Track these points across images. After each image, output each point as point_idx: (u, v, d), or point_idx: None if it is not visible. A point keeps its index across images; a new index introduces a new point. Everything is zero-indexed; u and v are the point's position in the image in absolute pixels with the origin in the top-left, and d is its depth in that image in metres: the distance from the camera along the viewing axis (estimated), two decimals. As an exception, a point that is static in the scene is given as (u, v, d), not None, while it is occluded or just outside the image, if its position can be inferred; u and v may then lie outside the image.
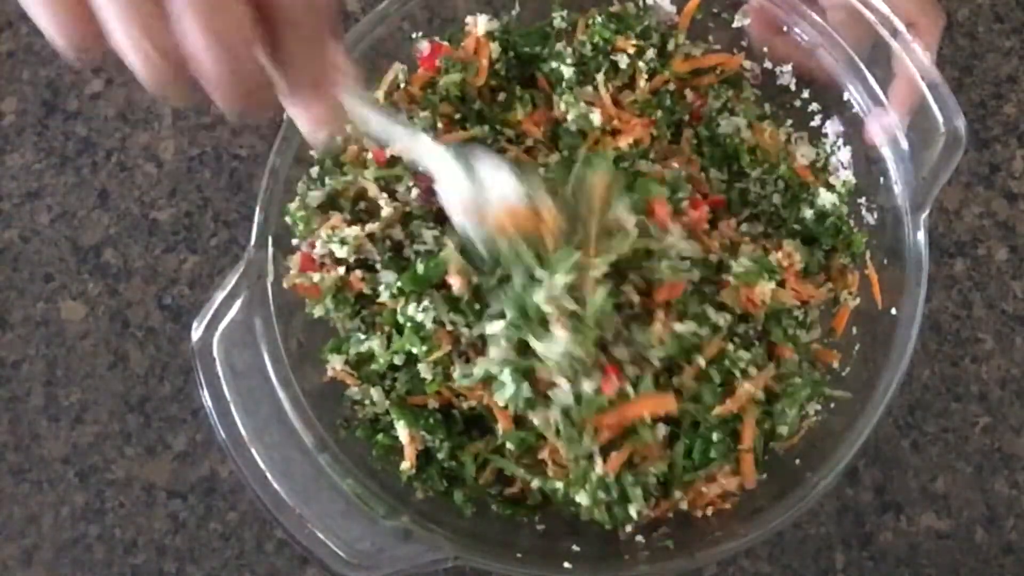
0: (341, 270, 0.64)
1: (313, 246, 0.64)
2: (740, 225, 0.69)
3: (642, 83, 0.70)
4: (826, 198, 0.69)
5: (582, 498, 0.62)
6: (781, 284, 0.65)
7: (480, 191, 0.55)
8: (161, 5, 0.39)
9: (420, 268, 0.63)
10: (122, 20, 0.39)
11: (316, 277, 0.64)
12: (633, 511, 0.62)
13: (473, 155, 0.57)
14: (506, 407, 0.61)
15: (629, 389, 0.61)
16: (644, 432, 0.62)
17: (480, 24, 0.70)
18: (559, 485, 0.63)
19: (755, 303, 0.64)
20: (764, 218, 0.70)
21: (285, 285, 0.64)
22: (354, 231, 0.64)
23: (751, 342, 0.65)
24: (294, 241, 0.66)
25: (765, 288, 0.64)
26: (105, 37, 0.40)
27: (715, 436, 0.62)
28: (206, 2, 0.39)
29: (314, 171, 0.67)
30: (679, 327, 0.62)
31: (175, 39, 0.39)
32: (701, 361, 0.62)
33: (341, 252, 0.63)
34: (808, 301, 0.68)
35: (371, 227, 0.64)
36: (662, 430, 0.63)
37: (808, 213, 0.69)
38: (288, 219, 0.65)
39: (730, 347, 0.63)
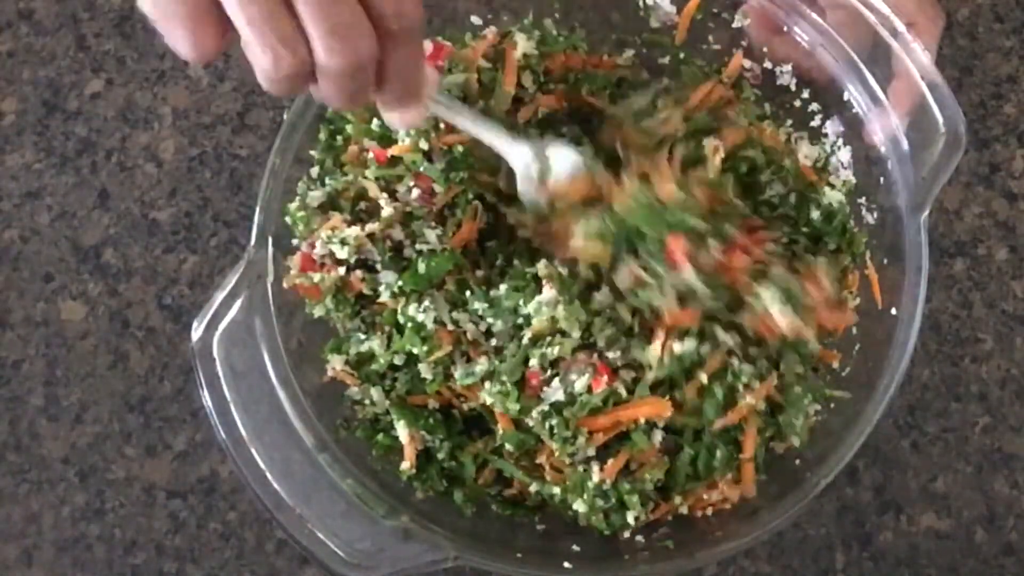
0: (341, 270, 0.64)
1: (313, 246, 0.64)
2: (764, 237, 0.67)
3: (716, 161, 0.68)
4: (832, 196, 0.69)
5: (579, 505, 0.62)
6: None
7: (548, 168, 0.64)
8: (291, 7, 0.43)
9: (421, 267, 0.63)
10: (255, 21, 0.43)
11: (316, 277, 0.64)
12: (630, 518, 0.63)
13: (544, 142, 0.64)
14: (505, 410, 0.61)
15: (622, 390, 0.61)
16: (638, 438, 0.62)
17: (519, 44, 0.70)
18: (556, 490, 0.63)
19: (772, 332, 0.64)
20: (777, 218, 0.70)
21: (285, 285, 0.64)
22: (354, 231, 0.64)
23: (754, 358, 0.65)
24: (294, 241, 0.66)
25: (788, 320, 0.63)
26: (228, 40, 0.44)
27: (719, 452, 0.62)
28: (333, 7, 0.43)
29: (314, 171, 0.67)
30: (679, 347, 0.62)
31: (302, 37, 0.44)
32: (703, 377, 0.62)
33: (341, 253, 0.63)
34: (832, 331, 0.67)
35: (371, 227, 0.64)
36: (658, 436, 0.63)
37: (815, 213, 0.69)
38: (288, 219, 0.65)
39: (734, 361, 0.63)
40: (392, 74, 0.48)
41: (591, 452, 0.62)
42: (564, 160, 0.64)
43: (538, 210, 0.65)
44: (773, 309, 0.63)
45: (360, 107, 0.54)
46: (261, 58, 0.44)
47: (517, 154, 0.63)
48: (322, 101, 0.49)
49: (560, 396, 0.61)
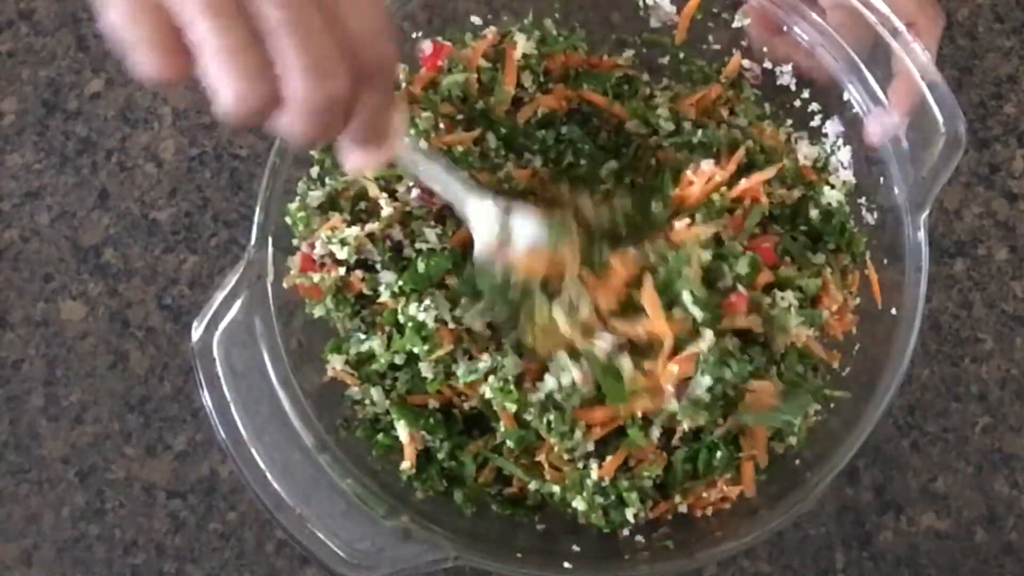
0: (341, 270, 0.64)
1: (313, 246, 0.64)
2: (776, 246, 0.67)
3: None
4: (831, 196, 0.69)
5: (578, 503, 0.62)
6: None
7: (508, 236, 0.60)
8: (257, 31, 0.42)
9: (421, 266, 0.63)
10: (222, 51, 0.41)
11: (316, 277, 0.64)
12: (629, 515, 0.63)
13: (510, 205, 0.61)
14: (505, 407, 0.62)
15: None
16: (634, 434, 0.62)
17: (519, 44, 0.69)
18: (556, 489, 0.63)
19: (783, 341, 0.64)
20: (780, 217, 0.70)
21: (285, 285, 0.64)
22: (354, 231, 0.64)
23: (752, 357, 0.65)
24: (294, 241, 0.66)
25: (801, 333, 0.64)
26: (191, 64, 0.43)
27: (719, 453, 0.62)
28: (304, 29, 0.42)
29: (314, 171, 0.67)
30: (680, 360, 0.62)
31: (270, 62, 0.42)
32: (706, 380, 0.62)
33: (341, 253, 0.63)
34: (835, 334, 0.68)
35: (371, 227, 0.64)
36: (655, 433, 0.63)
37: (814, 212, 0.69)
38: (288, 219, 0.65)
39: (733, 363, 0.63)
40: (361, 113, 0.47)
41: (589, 447, 0.62)
42: (527, 230, 0.60)
43: (491, 280, 0.61)
44: (791, 321, 0.63)
45: (322, 143, 0.52)
46: (226, 90, 0.42)
47: (481, 213, 0.60)
48: (282, 135, 0.46)
49: (554, 386, 0.61)
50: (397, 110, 0.52)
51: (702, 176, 0.65)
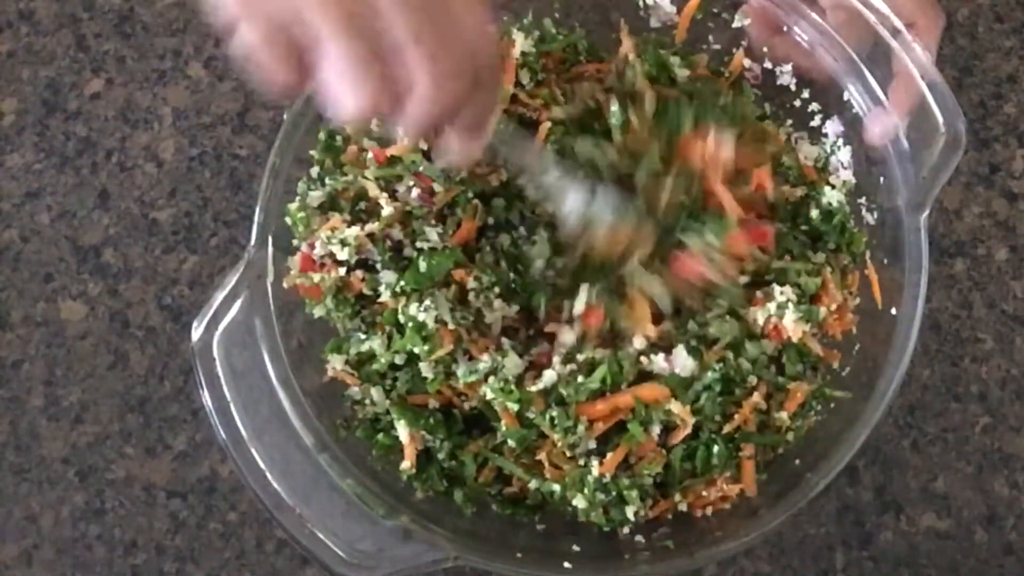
0: (341, 270, 0.64)
1: (313, 247, 0.64)
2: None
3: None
4: (831, 196, 0.69)
5: (579, 501, 0.62)
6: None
7: (593, 216, 0.64)
8: (382, 43, 0.45)
9: (422, 265, 0.63)
10: (348, 62, 0.45)
11: (316, 277, 0.64)
12: (630, 513, 0.63)
13: (594, 185, 0.65)
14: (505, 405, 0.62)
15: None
16: (635, 429, 0.62)
17: (518, 42, 0.70)
18: (556, 487, 0.63)
19: (779, 334, 0.64)
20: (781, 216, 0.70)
21: (285, 285, 0.64)
22: (354, 231, 0.64)
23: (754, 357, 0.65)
24: (294, 241, 0.66)
25: (798, 329, 0.64)
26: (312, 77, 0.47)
27: (716, 449, 0.63)
28: (433, 40, 0.46)
29: (314, 171, 0.67)
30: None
31: (394, 73, 0.46)
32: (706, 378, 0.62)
33: (342, 254, 0.63)
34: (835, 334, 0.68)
35: (371, 227, 0.64)
36: (655, 429, 0.63)
37: (814, 212, 0.69)
38: (288, 219, 0.65)
39: (730, 355, 0.63)
40: (470, 110, 0.51)
41: (591, 444, 0.63)
42: (611, 209, 0.64)
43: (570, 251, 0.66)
44: (787, 316, 0.63)
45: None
46: (350, 100, 0.46)
47: (573, 193, 0.64)
48: (402, 131, 0.51)
49: (555, 379, 0.61)
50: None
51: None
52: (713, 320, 0.65)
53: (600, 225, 0.64)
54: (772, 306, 0.64)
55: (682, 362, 0.62)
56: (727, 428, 0.63)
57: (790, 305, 0.63)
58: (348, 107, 0.46)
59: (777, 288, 0.64)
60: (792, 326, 0.63)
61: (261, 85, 0.47)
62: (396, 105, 0.47)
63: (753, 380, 0.63)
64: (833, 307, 0.66)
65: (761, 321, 0.64)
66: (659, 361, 0.63)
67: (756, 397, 0.63)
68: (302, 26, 0.45)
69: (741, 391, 0.63)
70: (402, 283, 0.63)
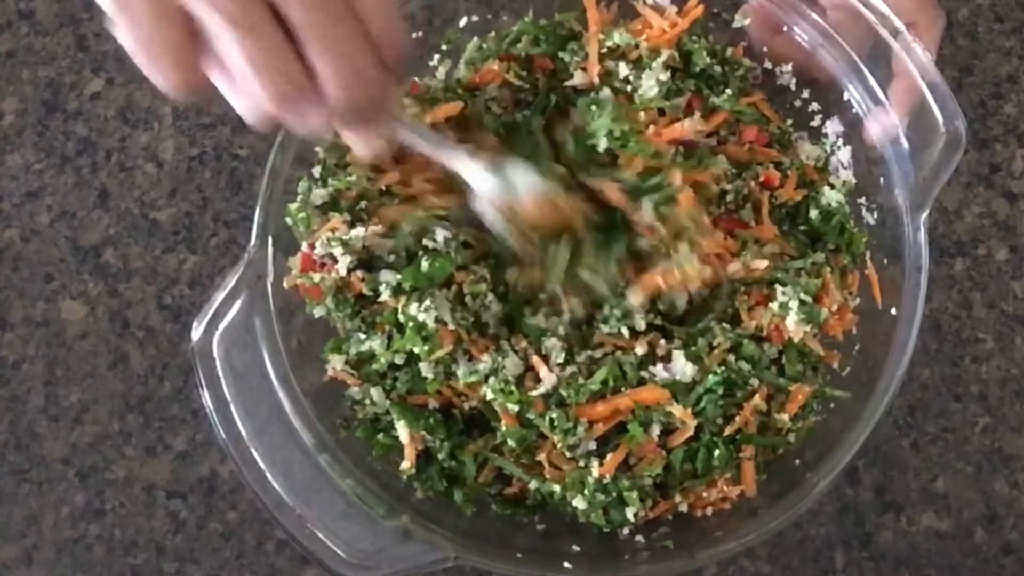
0: (342, 270, 0.64)
1: (313, 247, 0.64)
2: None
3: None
4: (831, 196, 0.69)
5: (579, 502, 0.62)
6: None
7: (511, 192, 0.62)
8: (286, 39, 0.42)
9: (425, 265, 0.63)
10: (257, 59, 0.42)
11: (317, 277, 0.64)
12: (629, 514, 0.63)
13: (505, 163, 0.62)
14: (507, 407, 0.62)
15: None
16: (635, 430, 0.62)
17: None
18: (556, 488, 0.63)
19: (781, 336, 0.64)
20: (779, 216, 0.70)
21: (286, 285, 0.64)
22: (359, 232, 0.63)
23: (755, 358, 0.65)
24: (294, 241, 0.66)
25: (800, 330, 0.64)
26: (213, 76, 0.44)
27: (717, 452, 0.63)
28: (337, 36, 0.43)
29: (316, 171, 0.67)
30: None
31: (302, 67, 0.43)
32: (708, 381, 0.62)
33: (344, 260, 0.63)
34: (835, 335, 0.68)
35: (374, 229, 0.64)
36: (655, 430, 0.63)
37: (814, 212, 0.69)
38: (288, 220, 0.65)
39: (731, 357, 0.63)
40: (369, 103, 0.48)
41: (592, 446, 0.63)
42: (525, 179, 0.62)
43: (501, 236, 0.64)
44: (789, 317, 0.63)
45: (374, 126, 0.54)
46: (260, 96, 0.43)
47: (477, 174, 0.62)
48: (302, 133, 0.48)
49: (554, 380, 0.61)
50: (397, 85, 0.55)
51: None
52: (711, 324, 0.65)
53: (518, 203, 0.62)
54: (774, 306, 0.64)
55: (681, 368, 0.62)
56: (728, 430, 0.63)
57: (792, 306, 0.63)
58: (258, 104, 0.44)
59: (779, 288, 0.64)
60: (794, 327, 0.63)
61: (156, 80, 0.43)
62: (299, 103, 0.44)
63: (755, 383, 0.63)
64: (834, 308, 0.66)
65: (765, 323, 0.64)
66: (659, 371, 0.63)
67: (757, 399, 0.63)
68: (190, 12, 0.41)
69: (742, 393, 0.63)
70: (400, 280, 0.63)
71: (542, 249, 0.64)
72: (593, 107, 0.65)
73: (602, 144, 0.64)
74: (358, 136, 0.54)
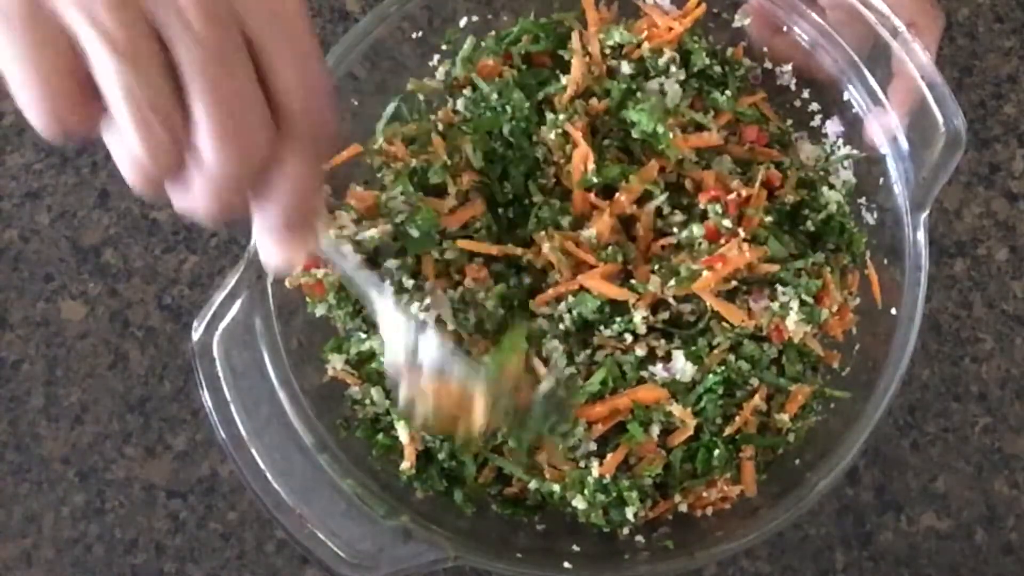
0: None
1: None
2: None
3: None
4: (831, 196, 0.69)
5: (578, 502, 0.62)
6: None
7: (419, 358, 0.54)
8: (176, 89, 0.36)
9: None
10: (129, 89, 0.35)
11: (320, 274, 0.64)
12: (629, 514, 0.63)
13: (426, 328, 0.56)
14: None
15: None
16: (634, 429, 0.62)
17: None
18: (556, 488, 0.63)
19: (781, 335, 0.64)
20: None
21: (289, 285, 0.64)
22: (372, 232, 0.63)
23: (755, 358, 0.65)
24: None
25: (800, 330, 0.64)
26: (98, 119, 0.37)
27: (717, 452, 0.62)
28: (223, 74, 0.36)
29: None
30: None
31: (186, 130, 0.37)
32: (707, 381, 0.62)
33: (353, 258, 0.63)
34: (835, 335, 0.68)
35: (384, 228, 0.64)
36: (655, 429, 0.63)
37: (814, 212, 0.69)
38: None
39: (731, 358, 0.63)
40: (284, 185, 0.39)
41: (592, 446, 0.63)
42: (433, 354, 0.54)
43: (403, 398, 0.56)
44: (789, 317, 0.63)
45: (231, 220, 0.41)
46: (134, 140, 0.36)
47: (392, 322, 0.54)
48: (187, 212, 0.39)
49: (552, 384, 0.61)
50: (322, 194, 0.46)
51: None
52: (710, 324, 0.64)
53: (423, 368, 0.54)
54: (775, 306, 0.64)
55: (681, 367, 0.62)
56: (728, 430, 0.63)
57: (793, 306, 0.63)
58: (133, 153, 0.36)
59: (780, 288, 0.64)
60: (794, 327, 0.63)
61: (32, 120, 0.38)
62: (176, 160, 0.37)
63: (755, 382, 0.63)
64: (835, 308, 0.66)
65: (765, 323, 0.64)
66: (659, 371, 0.63)
67: (757, 399, 0.63)
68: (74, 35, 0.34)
69: (742, 393, 0.63)
70: (399, 267, 0.63)
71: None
72: (638, 93, 0.65)
73: (635, 131, 0.65)
74: (272, 244, 0.43)
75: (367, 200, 0.64)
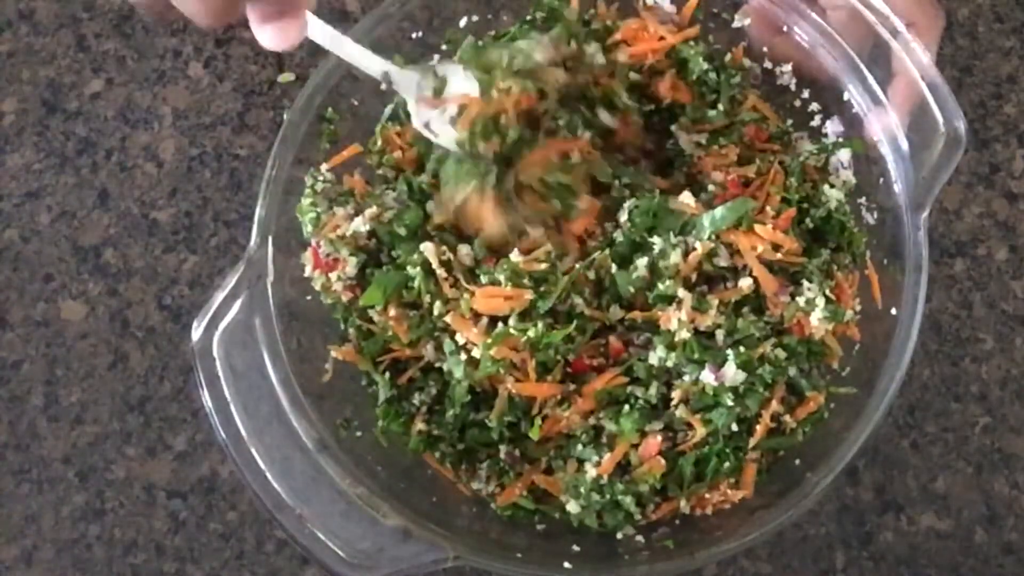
0: (351, 271, 0.65)
1: (319, 244, 0.65)
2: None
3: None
4: (831, 196, 0.69)
5: (572, 507, 0.62)
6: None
7: (444, 86, 0.63)
8: None
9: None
10: None
11: (334, 277, 0.65)
12: (623, 517, 0.63)
13: (433, 65, 0.64)
14: None
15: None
16: (626, 424, 0.62)
17: None
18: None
19: (802, 330, 0.64)
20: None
21: (316, 286, 0.65)
22: (358, 223, 0.64)
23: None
24: (295, 241, 0.66)
25: (822, 328, 0.63)
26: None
27: (727, 465, 0.62)
28: None
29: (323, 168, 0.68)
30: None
31: None
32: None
33: (352, 261, 0.64)
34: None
35: (371, 212, 0.65)
36: (657, 437, 0.63)
37: (814, 212, 0.69)
38: (299, 215, 0.65)
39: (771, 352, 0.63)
40: None
41: (591, 449, 0.63)
42: (459, 78, 0.63)
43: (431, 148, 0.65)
44: (814, 314, 0.63)
45: (227, 22, 0.50)
46: None
47: (405, 79, 0.62)
48: (191, 17, 0.44)
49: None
50: None
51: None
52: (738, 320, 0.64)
53: (456, 89, 0.63)
54: (800, 301, 0.63)
55: (732, 374, 0.61)
56: (752, 442, 0.63)
57: (819, 302, 0.63)
58: None
59: (806, 284, 0.64)
60: (817, 323, 0.63)
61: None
62: None
63: (769, 379, 0.62)
64: (858, 308, 0.66)
65: (788, 316, 0.63)
66: (707, 376, 0.61)
67: (775, 404, 0.62)
68: None
69: (754, 399, 0.63)
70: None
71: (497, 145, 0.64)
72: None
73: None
74: (267, 20, 0.50)
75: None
